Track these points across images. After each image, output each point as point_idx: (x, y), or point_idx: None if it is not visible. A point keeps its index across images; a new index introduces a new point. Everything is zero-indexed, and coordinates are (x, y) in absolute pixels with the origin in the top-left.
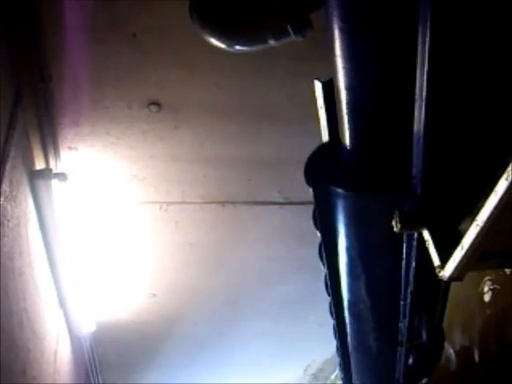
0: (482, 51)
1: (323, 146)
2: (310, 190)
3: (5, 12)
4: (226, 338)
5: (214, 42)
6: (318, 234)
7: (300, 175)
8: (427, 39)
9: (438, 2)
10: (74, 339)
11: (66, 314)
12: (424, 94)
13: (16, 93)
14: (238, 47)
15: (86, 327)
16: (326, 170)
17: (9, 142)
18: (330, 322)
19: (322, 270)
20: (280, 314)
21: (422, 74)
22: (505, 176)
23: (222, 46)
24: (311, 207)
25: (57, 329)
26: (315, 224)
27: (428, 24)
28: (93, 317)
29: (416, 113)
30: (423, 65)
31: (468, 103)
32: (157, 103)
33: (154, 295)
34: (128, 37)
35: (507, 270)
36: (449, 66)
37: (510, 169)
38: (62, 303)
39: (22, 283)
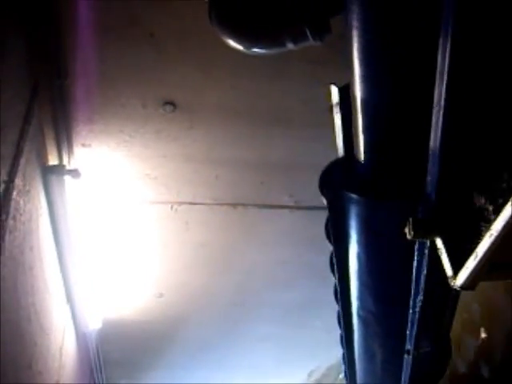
0: (501, 62)
1: (338, 158)
2: (324, 192)
3: (23, 9)
4: (231, 340)
5: (232, 43)
6: (329, 245)
7: (312, 180)
8: (448, 49)
9: (459, 13)
10: (80, 335)
11: (72, 310)
12: (442, 101)
13: (33, 88)
14: (256, 49)
15: (92, 324)
16: (340, 176)
17: (24, 137)
18: (336, 328)
19: (330, 277)
20: (286, 319)
21: (441, 82)
22: None
23: (240, 47)
24: (322, 212)
25: (63, 324)
26: (327, 234)
27: (449, 33)
28: (99, 314)
29: (433, 120)
30: (443, 73)
31: (485, 112)
32: (172, 103)
33: (161, 295)
34: (145, 36)
35: None
36: (468, 75)
37: None
38: (69, 299)
39: (32, 278)
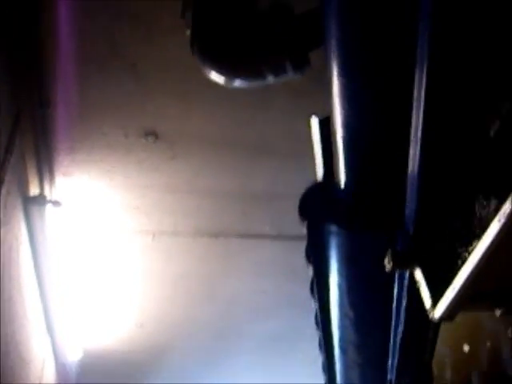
0: (477, 93)
1: (318, 183)
2: (303, 225)
3: (5, 38)
4: (213, 371)
5: (214, 76)
6: (310, 269)
7: (293, 210)
8: (423, 82)
9: (435, 47)
10: (60, 366)
11: (52, 340)
12: (419, 134)
13: (15, 117)
14: (236, 83)
15: (73, 354)
16: (320, 206)
17: (5, 167)
18: (318, 358)
19: (312, 306)
20: (268, 349)
21: (418, 116)
22: (497, 218)
23: (221, 80)
24: (303, 243)
25: (43, 355)
26: (307, 259)
27: (424, 67)
28: (79, 344)
29: (411, 153)
30: (419, 106)
31: (462, 145)
32: (154, 133)
33: (142, 325)
34: (128, 66)
35: (497, 312)
36: (444, 109)
37: (502, 211)
38: (49, 329)
39: (11, 307)
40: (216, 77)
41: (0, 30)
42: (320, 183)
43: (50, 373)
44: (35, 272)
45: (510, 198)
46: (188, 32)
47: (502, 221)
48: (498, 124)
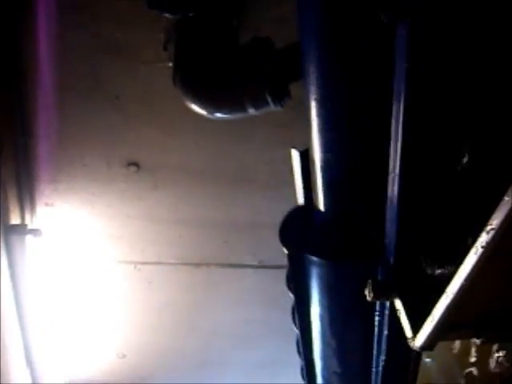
0: (452, 130)
1: (297, 209)
2: (285, 252)
3: None
4: None
5: (195, 108)
6: (291, 296)
7: (275, 240)
8: (400, 117)
9: (412, 81)
10: None
11: (32, 373)
12: (397, 169)
13: None
14: (218, 114)
15: None
16: (299, 234)
17: None
18: None
19: (296, 334)
20: (253, 378)
21: (396, 150)
22: (473, 250)
23: (203, 112)
24: (285, 271)
25: None
26: (288, 286)
27: (402, 99)
28: (61, 375)
29: (389, 187)
30: (396, 141)
31: (439, 178)
32: (136, 163)
33: (124, 356)
34: (109, 97)
35: (477, 341)
36: (422, 144)
37: (477, 244)
38: (29, 361)
39: None
40: (198, 109)
41: None
42: (300, 207)
43: None
44: (15, 302)
45: (484, 231)
46: (170, 64)
47: (478, 253)
48: (465, 160)
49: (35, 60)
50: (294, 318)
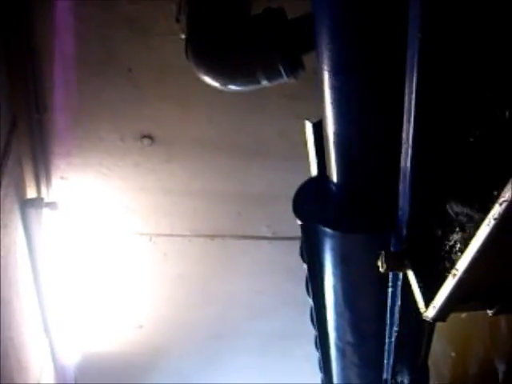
0: (467, 97)
1: (311, 180)
2: (298, 224)
3: (3, 44)
4: (211, 371)
5: (208, 80)
6: (305, 267)
7: (289, 211)
8: (413, 87)
9: (425, 52)
10: (59, 369)
11: (50, 344)
12: (410, 139)
13: (11, 122)
14: (231, 86)
15: (71, 357)
16: (313, 206)
17: (2, 171)
18: (316, 358)
19: (309, 306)
20: (266, 348)
21: (409, 120)
22: (486, 222)
23: (216, 84)
24: (299, 243)
25: (41, 359)
26: (302, 257)
27: (415, 70)
28: (78, 347)
29: (402, 156)
30: (410, 111)
31: (452, 148)
32: (149, 136)
33: (141, 326)
34: (123, 71)
35: (489, 312)
36: (435, 112)
37: (490, 215)
38: (47, 332)
39: (9, 312)
40: (211, 81)
41: None
42: (313, 179)
43: (48, 376)
44: (33, 275)
45: (497, 202)
46: (183, 36)
47: (491, 225)
48: (478, 132)
49: (49, 35)
50: (307, 289)
